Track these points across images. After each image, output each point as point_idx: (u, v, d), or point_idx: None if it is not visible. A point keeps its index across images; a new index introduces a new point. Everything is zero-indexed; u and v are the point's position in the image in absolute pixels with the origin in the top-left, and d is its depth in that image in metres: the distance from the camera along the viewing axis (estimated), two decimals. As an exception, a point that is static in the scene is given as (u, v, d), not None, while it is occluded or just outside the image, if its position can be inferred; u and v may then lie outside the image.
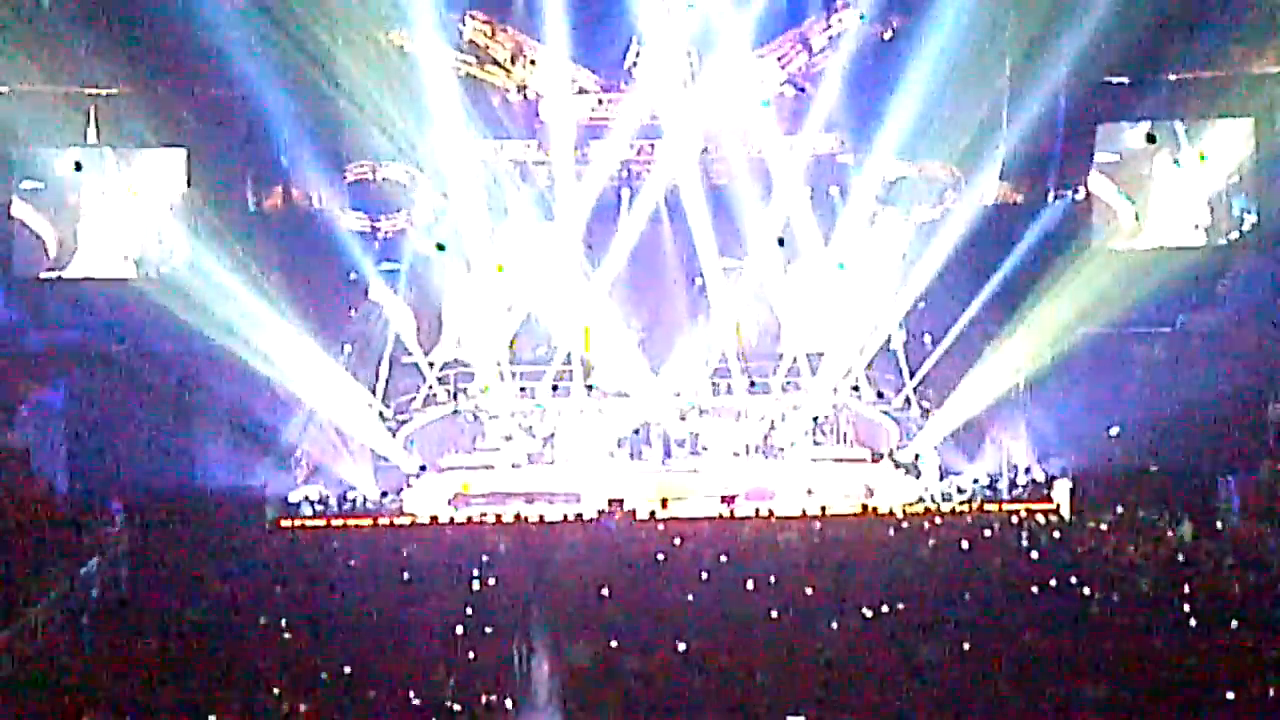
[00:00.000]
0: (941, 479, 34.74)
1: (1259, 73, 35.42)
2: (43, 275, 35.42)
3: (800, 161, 38.04)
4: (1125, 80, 36.00)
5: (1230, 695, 15.69)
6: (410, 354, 38.42)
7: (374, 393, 37.50)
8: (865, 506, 31.75)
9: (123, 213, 35.57)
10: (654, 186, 38.12)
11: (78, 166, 34.78)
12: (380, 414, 37.28)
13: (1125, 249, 36.10)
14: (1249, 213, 35.99)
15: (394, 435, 37.29)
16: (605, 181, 38.36)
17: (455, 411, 38.65)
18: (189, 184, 35.40)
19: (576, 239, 38.39)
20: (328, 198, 37.76)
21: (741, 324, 38.92)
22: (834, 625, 19.45)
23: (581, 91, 37.55)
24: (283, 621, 20.32)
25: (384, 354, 37.89)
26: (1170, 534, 26.94)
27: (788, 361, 38.46)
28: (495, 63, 37.49)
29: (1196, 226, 36.18)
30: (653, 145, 38.09)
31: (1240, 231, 36.14)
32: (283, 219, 37.91)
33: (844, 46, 36.79)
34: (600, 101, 37.64)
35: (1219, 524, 28.19)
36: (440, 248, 37.43)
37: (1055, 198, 37.04)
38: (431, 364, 38.51)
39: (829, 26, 37.04)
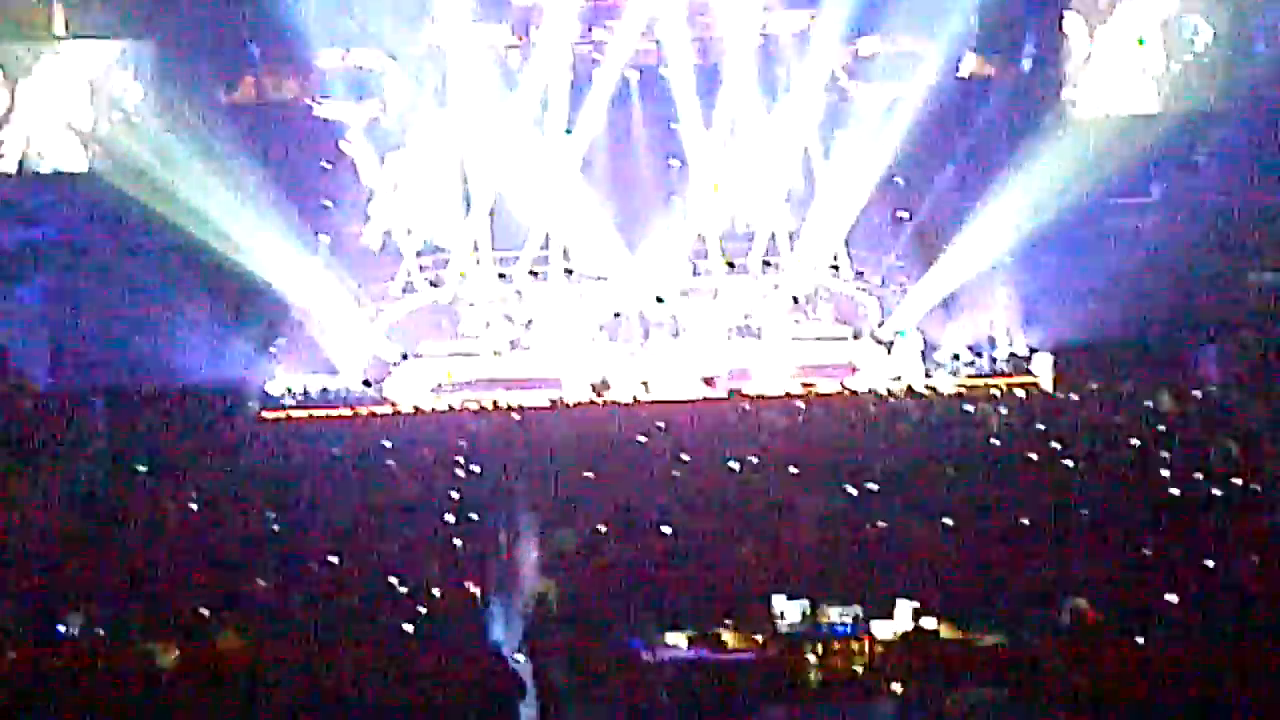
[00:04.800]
0: (923, 355, 34.78)
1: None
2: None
3: (772, 37, 37.72)
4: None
5: (1210, 564, 15.73)
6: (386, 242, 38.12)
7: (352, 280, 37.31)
8: (846, 385, 31.78)
9: (87, 105, 35.30)
10: (620, 65, 37.62)
11: None
12: (359, 303, 37.10)
13: (1090, 115, 36.06)
14: (1197, 34, 35.85)
15: (373, 324, 37.15)
16: (579, 64, 37.93)
17: (435, 299, 38.42)
18: (157, 75, 35.08)
19: (557, 124, 37.85)
20: (299, 87, 37.36)
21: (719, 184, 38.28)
22: (817, 504, 19.47)
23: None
24: (267, 513, 20.33)
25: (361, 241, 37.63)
26: (1149, 404, 27.02)
27: (764, 240, 38.20)
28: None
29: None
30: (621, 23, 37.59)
31: (1193, 54, 35.98)
32: (254, 109, 37.55)
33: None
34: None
35: (1198, 392, 28.27)
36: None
37: (1029, 70, 36.86)
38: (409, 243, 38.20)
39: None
